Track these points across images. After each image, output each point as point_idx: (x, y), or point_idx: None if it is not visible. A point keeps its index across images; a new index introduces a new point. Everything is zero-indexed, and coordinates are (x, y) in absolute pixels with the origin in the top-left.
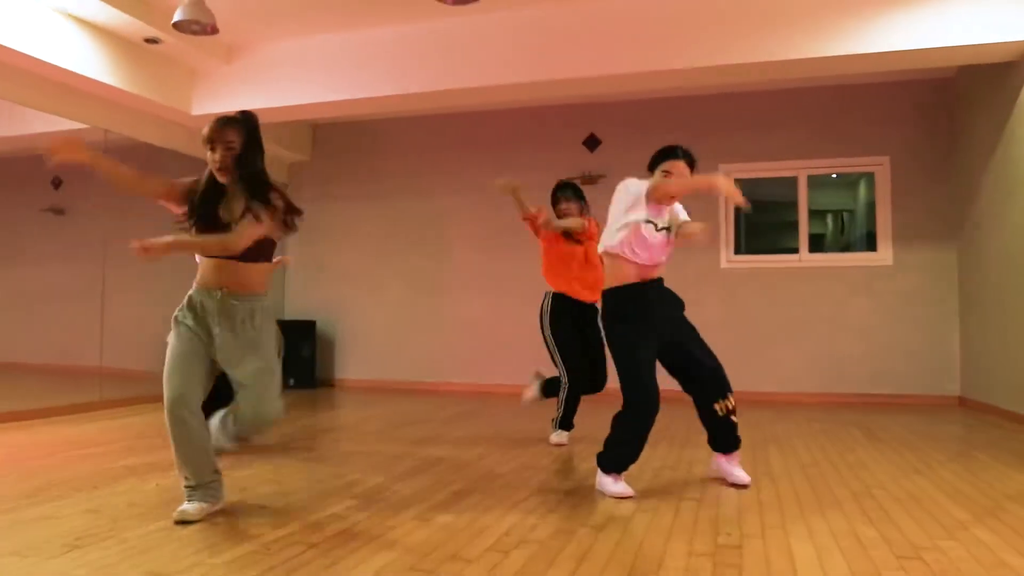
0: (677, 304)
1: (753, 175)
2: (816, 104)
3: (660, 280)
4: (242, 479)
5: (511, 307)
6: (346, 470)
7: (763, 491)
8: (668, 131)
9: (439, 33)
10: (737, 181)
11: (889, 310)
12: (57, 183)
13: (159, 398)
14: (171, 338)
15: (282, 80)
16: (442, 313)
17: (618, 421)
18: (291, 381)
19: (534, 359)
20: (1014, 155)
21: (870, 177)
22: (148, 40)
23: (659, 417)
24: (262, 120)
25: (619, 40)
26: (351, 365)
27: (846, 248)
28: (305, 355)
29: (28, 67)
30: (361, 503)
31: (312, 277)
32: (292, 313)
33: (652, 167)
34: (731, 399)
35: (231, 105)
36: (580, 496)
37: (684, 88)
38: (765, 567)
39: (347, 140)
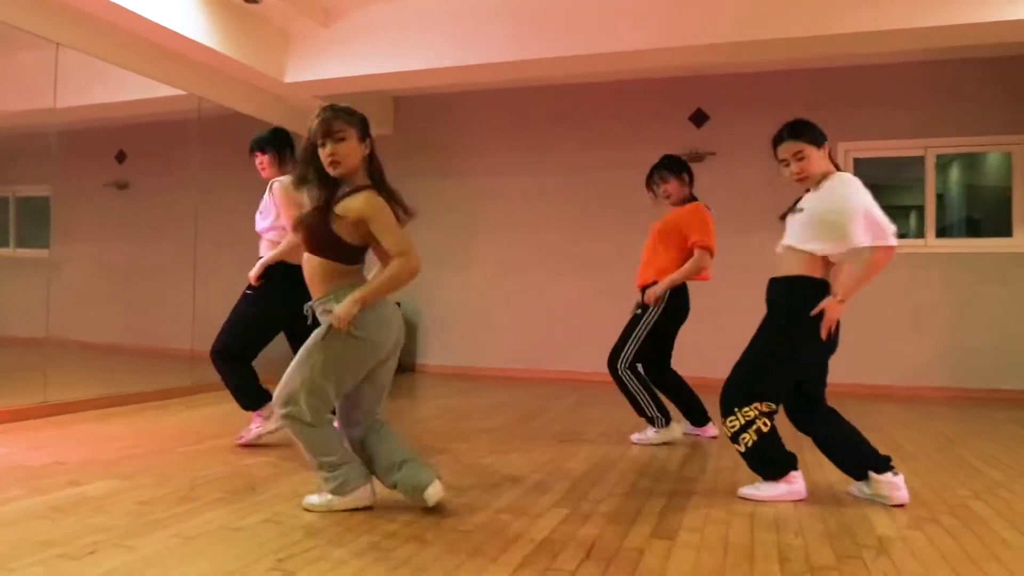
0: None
1: (875, 154)
2: (944, 78)
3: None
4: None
5: (600, 291)
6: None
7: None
8: (780, 107)
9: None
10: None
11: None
12: (121, 157)
13: None
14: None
15: (381, 45)
16: (528, 296)
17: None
18: None
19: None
20: None
21: (998, 157)
22: (249, 0)
23: None
24: (357, 89)
25: (721, 5)
26: (434, 350)
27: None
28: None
29: (125, 24)
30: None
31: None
32: None
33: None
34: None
35: (325, 72)
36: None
37: (797, 60)
38: None
39: (430, 113)
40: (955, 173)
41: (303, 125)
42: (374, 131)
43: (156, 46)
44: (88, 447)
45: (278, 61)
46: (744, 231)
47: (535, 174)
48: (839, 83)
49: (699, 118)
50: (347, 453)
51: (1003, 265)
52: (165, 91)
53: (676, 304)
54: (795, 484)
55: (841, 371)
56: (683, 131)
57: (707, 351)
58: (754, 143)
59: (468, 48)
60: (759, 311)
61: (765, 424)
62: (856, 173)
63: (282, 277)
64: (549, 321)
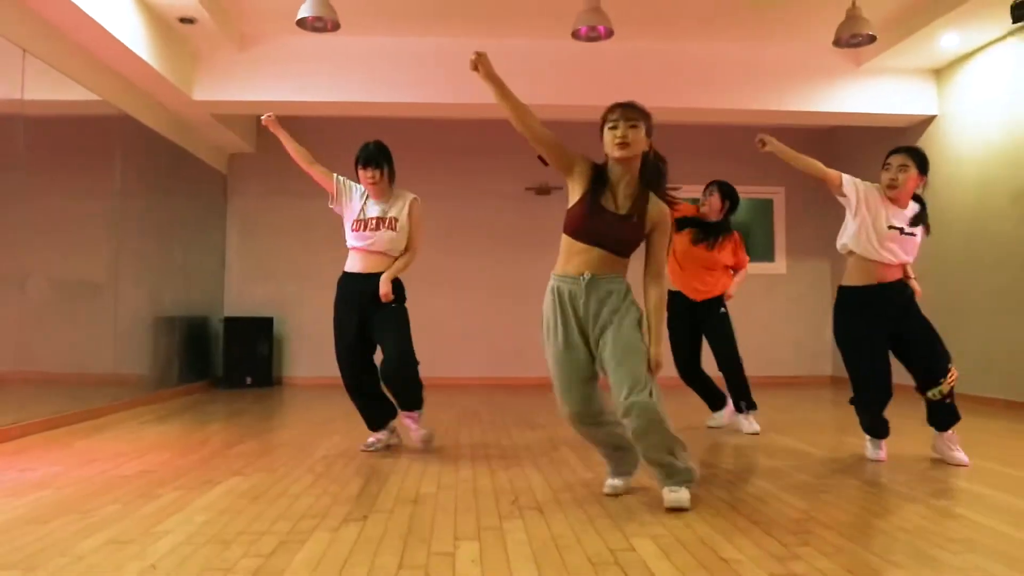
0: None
1: (684, 195)
2: (733, 140)
3: None
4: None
5: (472, 302)
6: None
7: None
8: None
9: (449, 49)
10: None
11: (782, 309)
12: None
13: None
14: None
15: (290, 75)
16: None
17: None
18: (248, 379)
19: (496, 350)
20: None
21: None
22: (183, 20)
23: None
24: (256, 111)
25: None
26: (301, 363)
27: None
28: (263, 353)
29: (55, 17)
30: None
31: (257, 272)
32: (238, 310)
33: None
34: None
35: (233, 94)
36: None
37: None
38: None
39: (297, 134)
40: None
41: (190, 140)
42: (236, 149)
43: (79, 46)
44: None
45: (188, 79)
46: None
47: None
48: (671, 137)
49: (544, 159)
50: None
51: (769, 284)
52: (71, 94)
53: None
54: None
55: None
56: (536, 166)
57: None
58: None
59: (372, 86)
60: None
61: None
62: None
63: (400, 288)
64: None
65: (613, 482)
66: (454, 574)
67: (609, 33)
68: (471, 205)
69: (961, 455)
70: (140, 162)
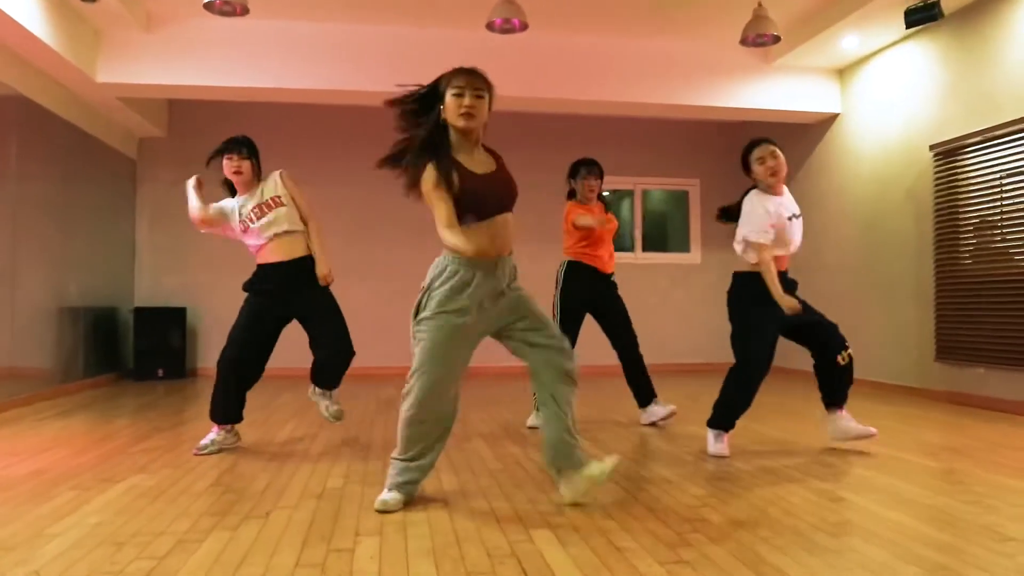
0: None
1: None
2: (649, 132)
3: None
4: None
5: (390, 292)
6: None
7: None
8: (557, 145)
9: (363, 36)
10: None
11: (698, 297)
12: None
13: None
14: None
15: (204, 58)
16: None
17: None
18: (160, 371)
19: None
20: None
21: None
22: None
23: None
24: (171, 96)
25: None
26: (215, 354)
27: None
28: (176, 344)
29: None
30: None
31: (169, 262)
32: (149, 300)
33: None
34: None
35: (141, 77)
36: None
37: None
38: None
39: (209, 119)
40: (654, 203)
41: (95, 124)
42: (145, 133)
43: None
44: None
45: (90, 59)
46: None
47: (318, 185)
48: (568, 127)
49: None
50: None
51: (685, 273)
52: None
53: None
54: None
55: (586, 355)
56: None
57: None
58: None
59: (284, 72)
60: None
61: None
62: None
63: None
64: None
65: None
66: (351, 571)
67: (524, 26)
68: (389, 194)
69: (866, 426)
70: (39, 146)
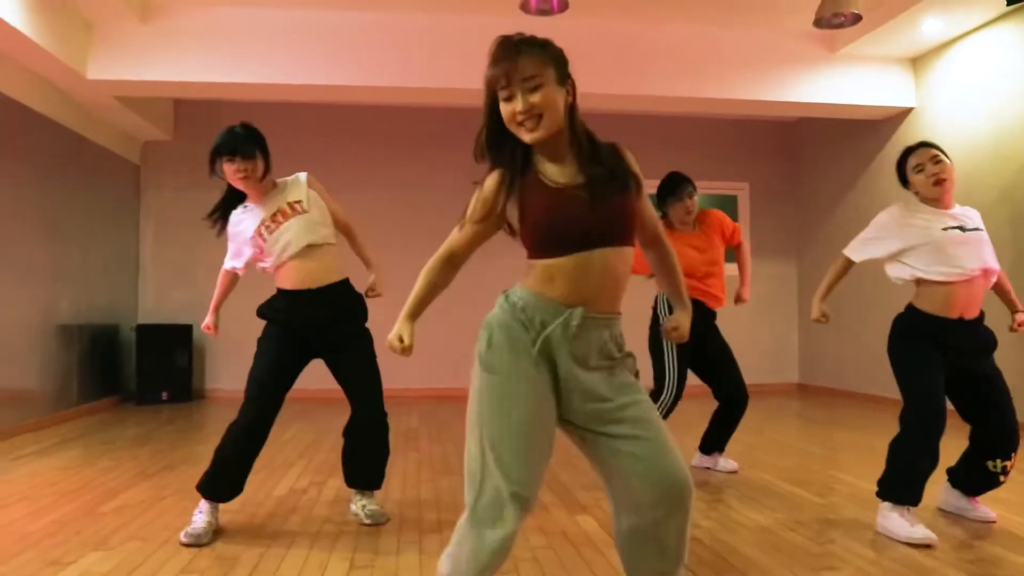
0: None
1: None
2: (695, 131)
3: None
4: None
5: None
6: None
7: None
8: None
9: (382, 25)
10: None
11: (743, 312)
12: None
13: None
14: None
15: (209, 51)
16: None
17: None
18: (164, 394)
19: (439, 359)
20: (854, 201)
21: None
22: None
23: None
24: (169, 93)
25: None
26: (224, 374)
27: None
28: (181, 365)
29: None
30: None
31: (176, 275)
32: (154, 317)
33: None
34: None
35: (139, 73)
36: None
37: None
38: None
39: (217, 121)
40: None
41: (90, 126)
42: (149, 136)
43: None
44: None
45: (80, 54)
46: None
47: (331, 190)
48: (623, 127)
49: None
50: None
51: (731, 284)
52: None
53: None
54: None
55: None
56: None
57: None
58: None
59: (296, 66)
60: None
61: None
62: None
63: (361, 305)
64: None
65: None
66: None
67: (563, 6)
68: (410, 200)
69: (986, 509)
70: (24, 150)
